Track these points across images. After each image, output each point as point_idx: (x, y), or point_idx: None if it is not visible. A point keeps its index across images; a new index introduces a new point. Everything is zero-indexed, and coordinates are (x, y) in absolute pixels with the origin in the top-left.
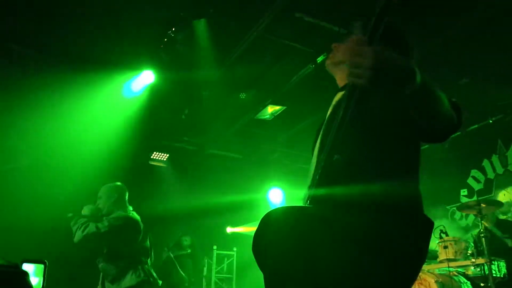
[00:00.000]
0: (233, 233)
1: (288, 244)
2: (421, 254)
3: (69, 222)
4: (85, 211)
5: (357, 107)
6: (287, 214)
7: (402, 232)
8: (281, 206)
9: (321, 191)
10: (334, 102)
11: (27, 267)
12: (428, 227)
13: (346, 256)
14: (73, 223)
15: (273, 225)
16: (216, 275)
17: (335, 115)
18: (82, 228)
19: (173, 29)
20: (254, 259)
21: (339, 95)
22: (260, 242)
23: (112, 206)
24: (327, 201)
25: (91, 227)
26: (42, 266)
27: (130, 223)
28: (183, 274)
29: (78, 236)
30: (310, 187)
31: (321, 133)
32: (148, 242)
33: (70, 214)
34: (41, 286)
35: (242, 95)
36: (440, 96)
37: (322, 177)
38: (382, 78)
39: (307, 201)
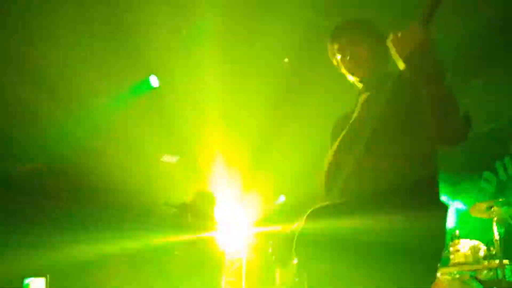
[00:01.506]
0: None
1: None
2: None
3: (167, 210)
4: (175, 203)
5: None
6: (328, 212)
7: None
8: (322, 204)
9: (350, 182)
10: (361, 101)
11: (29, 281)
12: (445, 210)
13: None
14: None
15: (313, 224)
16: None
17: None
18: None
19: (183, 31)
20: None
21: (363, 95)
22: (301, 240)
23: (209, 210)
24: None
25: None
26: (43, 279)
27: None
28: None
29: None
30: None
31: (346, 129)
32: None
33: (165, 203)
34: None
35: None
36: (457, 104)
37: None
38: (414, 61)
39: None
